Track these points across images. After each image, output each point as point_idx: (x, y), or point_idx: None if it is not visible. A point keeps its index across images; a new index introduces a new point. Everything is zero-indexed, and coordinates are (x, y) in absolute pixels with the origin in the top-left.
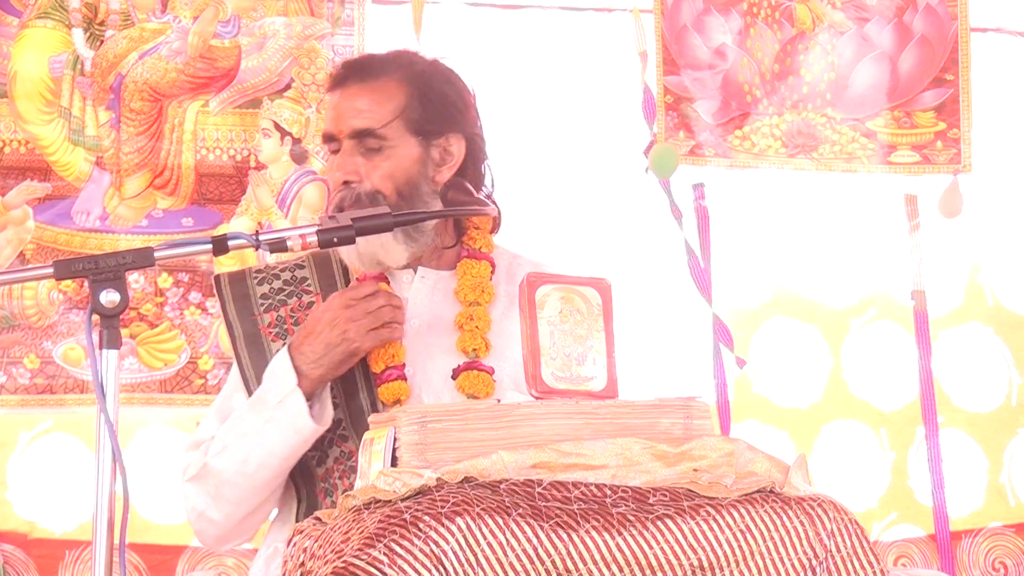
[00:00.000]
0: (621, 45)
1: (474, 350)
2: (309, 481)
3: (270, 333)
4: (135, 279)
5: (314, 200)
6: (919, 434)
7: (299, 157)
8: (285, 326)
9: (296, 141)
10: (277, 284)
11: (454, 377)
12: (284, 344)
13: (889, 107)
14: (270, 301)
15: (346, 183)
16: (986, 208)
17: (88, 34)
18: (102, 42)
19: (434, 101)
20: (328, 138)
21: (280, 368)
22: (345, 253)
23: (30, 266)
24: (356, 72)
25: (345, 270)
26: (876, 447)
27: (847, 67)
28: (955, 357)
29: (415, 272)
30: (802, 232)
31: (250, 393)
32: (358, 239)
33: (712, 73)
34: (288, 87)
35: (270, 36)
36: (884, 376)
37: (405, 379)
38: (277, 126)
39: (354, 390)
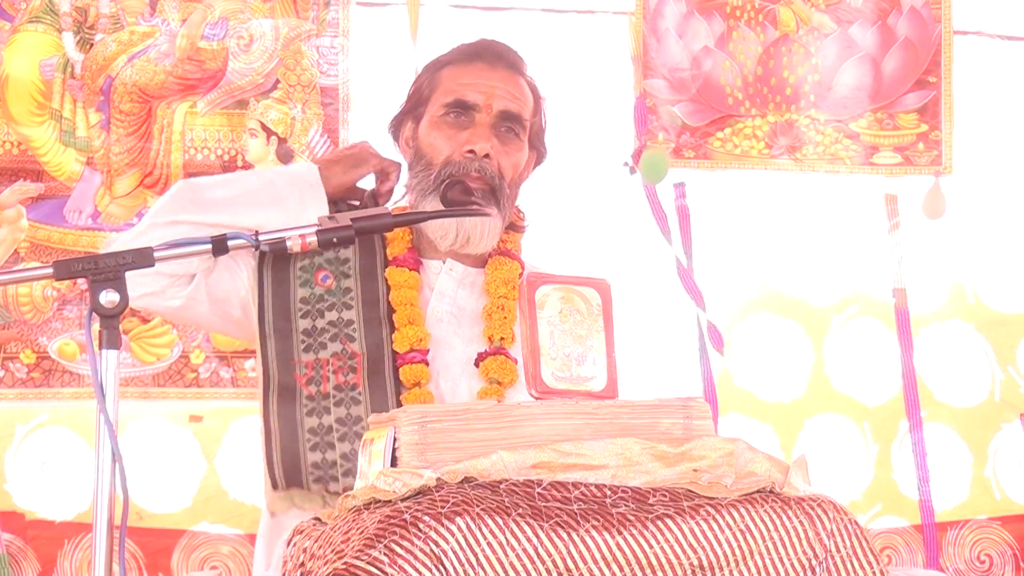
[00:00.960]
0: (603, 47)
1: (501, 339)
2: (286, 365)
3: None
4: None
5: None
6: (902, 428)
7: (285, 156)
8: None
9: (282, 141)
10: (319, 260)
11: (478, 363)
12: (309, 262)
13: (872, 109)
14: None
15: (486, 156)
16: (967, 208)
17: (78, 38)
18: (92, 45)
19: (542, 118)
20: (462, 104)
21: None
22: (439, 225)
23: (30, 265)
24: (506, 58)
25: (384, 239)
26: (859, 440)
27: (831, 69)
28: (937, 353)
29: (443, 263)
30: (784, 230)
31: (260, 310)
32: (468, 217)
33: (693, 76)
34: (274, 88)
35: (257, 38)
36: (866, 371)
37: (427, 364)
38: (263, 126)
39: (377, 326)
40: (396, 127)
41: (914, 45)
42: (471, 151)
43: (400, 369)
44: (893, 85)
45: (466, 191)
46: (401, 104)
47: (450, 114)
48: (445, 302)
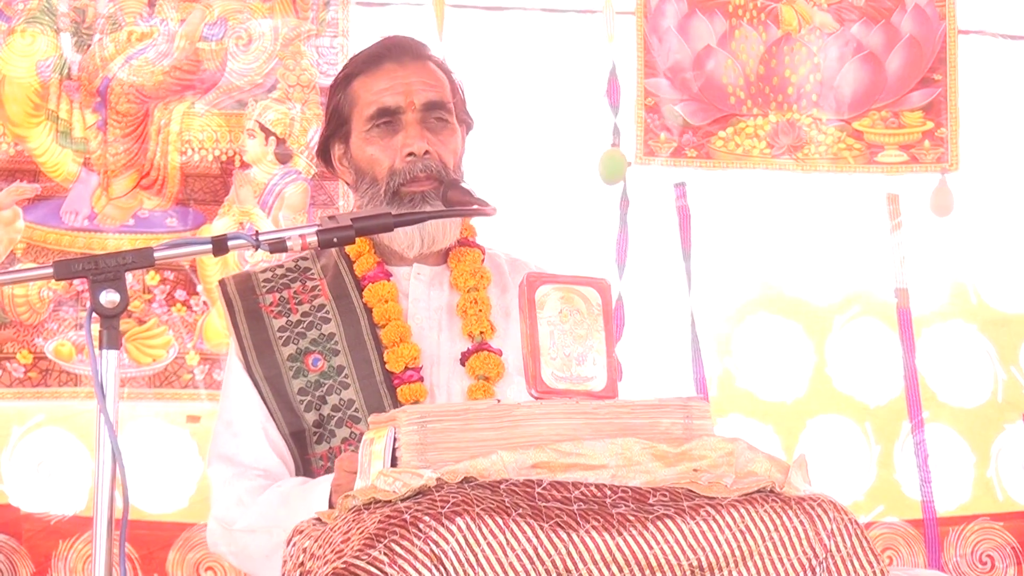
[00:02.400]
0: (600, 47)
1: (480, 333)
2: (302, 459)
3: (271, 311)
4: None
5: (296, 200)
6: (904, 428)
7: (283, 157)
8: (288, 305)
9: (280, 141)
10: (280, 271)
11: (463, 361)
12: (286, 321)
13: (876, 107)
14: (272, 284)
15: (426, 153)
16: (968, 207)
17: (76, 39)
18: (89, 46)
19: (459, 92)
20: (385, 111)
21: (320, 495)
22: (403, 235)
23: (30, 266)
24: (411, 50)
25: (348, 260)
26: (861, 441)
27: (834, 68)
28: (940, 354)
29: (411, 268)
30: (785, 230)
31: (247, 364)
32: (428, 221)
33: (695, 75)
34: (273, 88)
35: (256, 38)
36: (868, 372)
37: (423, 380)
38: (262, 127)
39: (369, 371)
40: (324, 151)
41: (919, 43)
42: (410, 154)
43: (398, 389)
44: (898, 83)
45: (465, 191)
46: (322, 128)
47: (377, 125)
48: (420, 307)
